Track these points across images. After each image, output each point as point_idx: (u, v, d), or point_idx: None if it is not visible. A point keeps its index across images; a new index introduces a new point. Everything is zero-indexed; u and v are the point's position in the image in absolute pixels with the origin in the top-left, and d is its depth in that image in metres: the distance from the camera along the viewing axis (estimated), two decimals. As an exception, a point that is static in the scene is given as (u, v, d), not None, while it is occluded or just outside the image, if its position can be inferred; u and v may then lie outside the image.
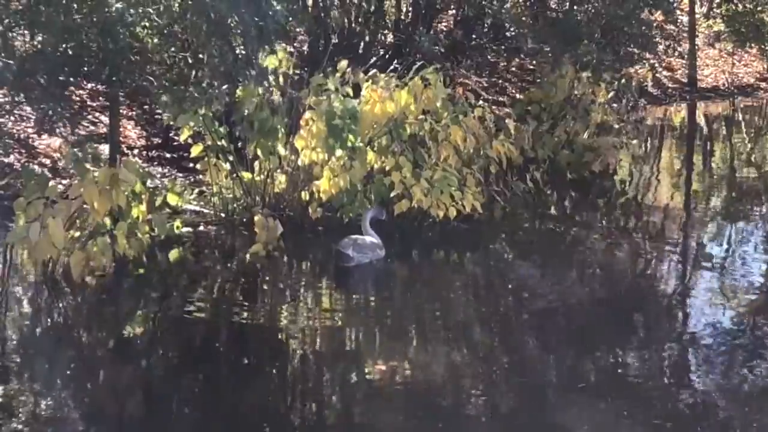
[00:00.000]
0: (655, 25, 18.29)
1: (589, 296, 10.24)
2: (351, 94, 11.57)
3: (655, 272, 10.97)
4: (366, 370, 8.22)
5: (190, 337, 9.01)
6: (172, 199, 11.07)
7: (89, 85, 13.41)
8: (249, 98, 11.44)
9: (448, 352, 8.64)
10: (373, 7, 17.40)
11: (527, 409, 7.56)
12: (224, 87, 10.87)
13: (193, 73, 11.02)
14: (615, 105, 15.37)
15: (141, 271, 10.01)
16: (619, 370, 8.19)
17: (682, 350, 8.67)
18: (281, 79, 11.67)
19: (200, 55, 11.05)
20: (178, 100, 10.79)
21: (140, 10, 10.28)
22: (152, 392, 7.90)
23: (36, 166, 12.90)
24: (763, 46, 23.44)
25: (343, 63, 11.89)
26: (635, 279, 10.79)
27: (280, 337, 9.02)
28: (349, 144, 11.29)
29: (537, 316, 9.59)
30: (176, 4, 10.45)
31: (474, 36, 18.65)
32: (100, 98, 15.10)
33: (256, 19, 10.10)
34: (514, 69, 20.92)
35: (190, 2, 10.28)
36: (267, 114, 11.43)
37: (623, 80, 15.97)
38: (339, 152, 11.29)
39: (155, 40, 10.82)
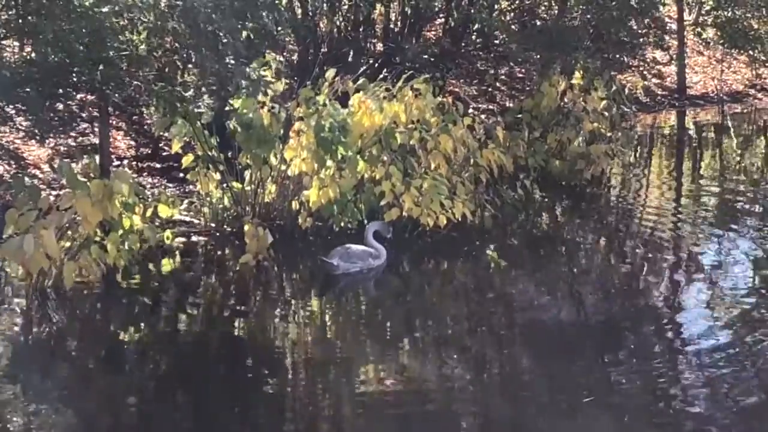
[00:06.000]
0: (643, 31, 18.31)
1: (580, 305, 10.23)
2: (339, 107, 11.52)
3: (647, 281, 10.94)
4: (353, 381, 8.17)
5: (179, 348, 8.98)
6: (163, 210, 11.03)
7: (78, 96, 13.36)
8: (246, 108, 11.37)
9: (437, 361, 8.62)
10: (361, 16, 17.40)
11: (520, 421, 7.54)
12: (213, 96, 10.82)
13: (182, 77, 10.97)
14: (605, 113, 15.32)
15: (131, 281, 9.96)
16: (611, 382, 8.15)
17: (674, 361, 8.65)
18: (271, 90, 11.63)
19: (188, 64, 11.01)
20: (169, 105, 10.72)
21: (128, 16, 10.24)
22: (142, 404, 7.86)
23: (26, 177, 12.81)
24: (751, 53, 23.44)
25: (331, 72, 11.88)
26: (626, 288, 10.77)
27: (269, 346, 8.99)
28: (340, 155, 11.27)
29: (527, 326, 9.58)
30: (164, 7, 10.38)
31: (463, 44, 18.65)
32: (89, 109, 15.05)
33: (242, 29, 10.08)
34: (503, 77, 20.92)
35: (177, 9, 10.22)
36: (264, 123, 11.36)
37: (614, 88, 15.93)
38: (329, 163, 11.28)
39: (144, 47, 10.76)
